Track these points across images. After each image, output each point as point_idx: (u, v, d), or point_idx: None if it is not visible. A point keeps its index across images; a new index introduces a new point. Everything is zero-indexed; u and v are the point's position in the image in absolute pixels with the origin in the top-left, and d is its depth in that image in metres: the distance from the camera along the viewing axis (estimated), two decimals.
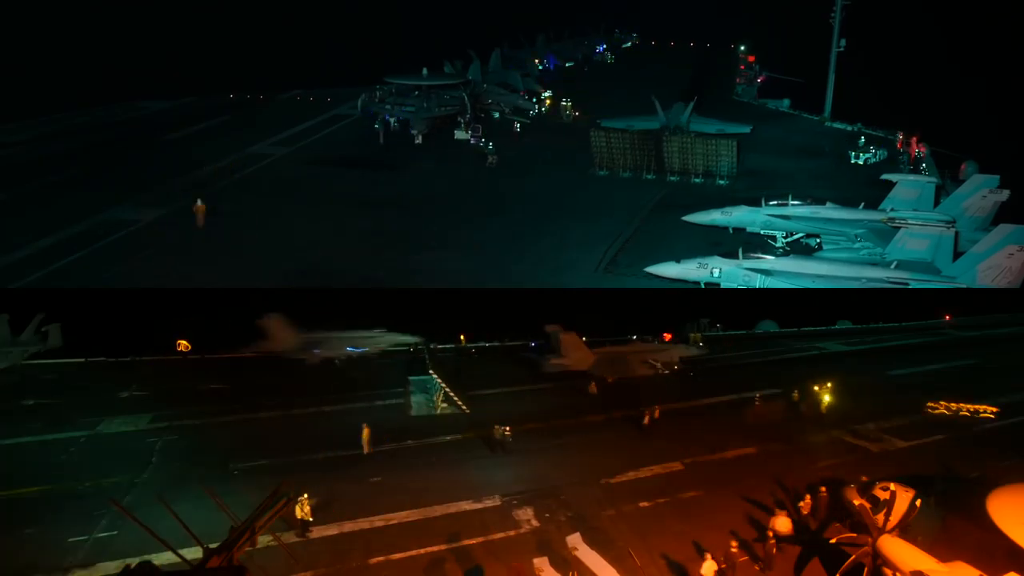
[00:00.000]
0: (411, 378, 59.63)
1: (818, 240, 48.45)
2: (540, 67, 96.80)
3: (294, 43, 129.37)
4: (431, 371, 56.17)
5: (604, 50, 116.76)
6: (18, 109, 73.50)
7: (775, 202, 48.84)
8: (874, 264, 44.17)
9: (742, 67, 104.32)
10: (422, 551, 28.81)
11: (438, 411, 51.18)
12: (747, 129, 69.73)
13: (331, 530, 30.76)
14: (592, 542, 26.08)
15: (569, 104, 77.62)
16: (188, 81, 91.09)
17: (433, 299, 64.68)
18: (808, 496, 31.90)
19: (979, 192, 48.36)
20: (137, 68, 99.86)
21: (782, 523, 29.21)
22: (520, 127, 69.35)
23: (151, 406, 51.94)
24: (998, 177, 48.56)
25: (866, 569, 23.09)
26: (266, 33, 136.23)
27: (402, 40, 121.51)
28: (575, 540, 25.64)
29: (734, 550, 26.88)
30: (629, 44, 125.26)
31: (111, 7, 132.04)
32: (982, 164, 57.27)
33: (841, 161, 65.13)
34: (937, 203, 49.76)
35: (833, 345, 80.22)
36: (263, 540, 26.09)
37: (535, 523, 31.46)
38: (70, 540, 29.65)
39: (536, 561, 25.22)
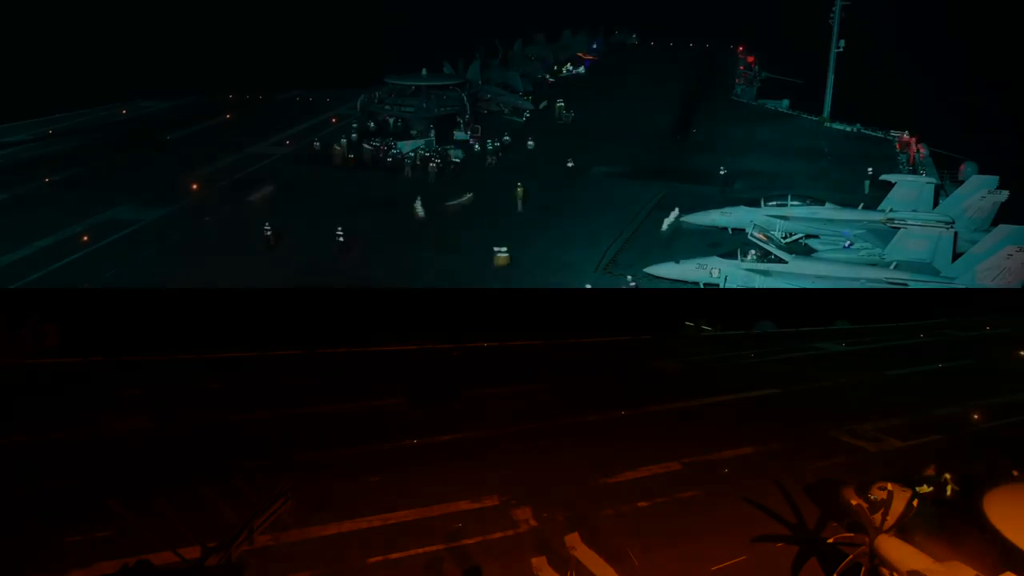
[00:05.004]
0: None
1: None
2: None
3: (294, 43, 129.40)
4: None
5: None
6: (18, 109, 73.59)
7: (774, 203, 48.94)
8: (873, 264, 44.28)
9: (741, 68, 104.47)
10: (420, 551, 28.82)
11: None
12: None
13: (329, 529, 30.75)
14: (590, 542, 26.18)
15: (562, 105, 78.01)
16: (188, 81, 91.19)
17: (432, 299, 64.64)
18: None
19: (978, 193, 48.46)
20: (137, 68, 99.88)
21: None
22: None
23: (150, 405, 51.93)
24: (997, 178, 48.69)
25: (863, 569, 23.13)
26: (266, 33, 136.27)
27: (402, 40, 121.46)
28: (573, 540, 25.72)
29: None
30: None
31: (111, 7, 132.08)
32: (982, 164, 57.36)
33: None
34: (936, 204, 49.85)
35: (831, 345, 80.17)
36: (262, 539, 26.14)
37: (533, 523, 31.46)
38: (68, 540, 29.65)
39: (534, 561, 25.32)
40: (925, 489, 24.34)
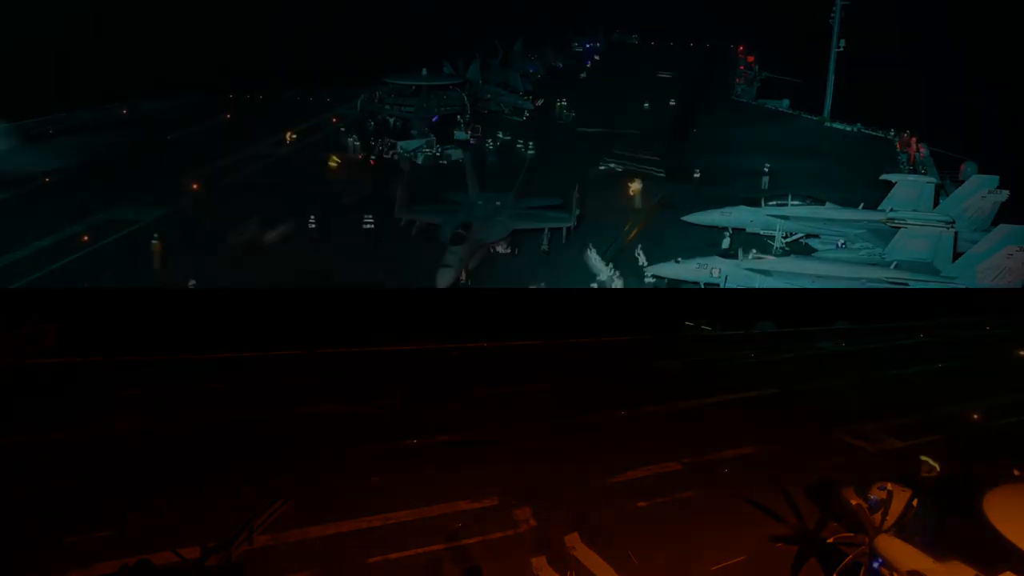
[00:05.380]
0: None
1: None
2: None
3: (294, 43, 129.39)
4: None
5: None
6: (19, 109, 73.50)
7: (775, 202, 49.00)
8: (873, 264, 44.32)
9: (741, 67, 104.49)
10: (420, 551, 28.81)
11: None
12: None
13: (329, 529, 30.75)
14: (590, 542, 26.17)
15: (563, 105, 77.99)
16: (188, 80, 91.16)
17: (432, 299, 64.67)
18: None
19: (978, 192, 48.51)
20: (137, 67, 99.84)
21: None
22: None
23: (150, 405, 51.93)
24: (997, 177, 48.75)
25: (863, 568, 23.13)
26: (266, 33, 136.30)
27: (402, 40, 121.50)
28: (573, 540, 25.74)
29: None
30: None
31: (111, 5, 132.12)
32: (981, 164, 57.39)
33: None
34: (936, 203, 49.87)
35: (831, 345, 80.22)
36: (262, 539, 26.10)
37: (533, 523, 31.45)
38: (68, 540, 29.64)
39: (534, 561, 25.33)
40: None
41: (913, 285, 43.26)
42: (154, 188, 54.74)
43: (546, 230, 48.38)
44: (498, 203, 49.93)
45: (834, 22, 73.44)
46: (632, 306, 71.81)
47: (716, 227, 49.70)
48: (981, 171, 53.18)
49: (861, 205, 49.65)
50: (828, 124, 77.86)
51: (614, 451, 41.13)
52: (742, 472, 37.80)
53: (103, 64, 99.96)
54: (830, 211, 48.69)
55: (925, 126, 70.94)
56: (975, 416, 48.94)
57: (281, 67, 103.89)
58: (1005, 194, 48.37)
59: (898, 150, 68.46)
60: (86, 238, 46.91)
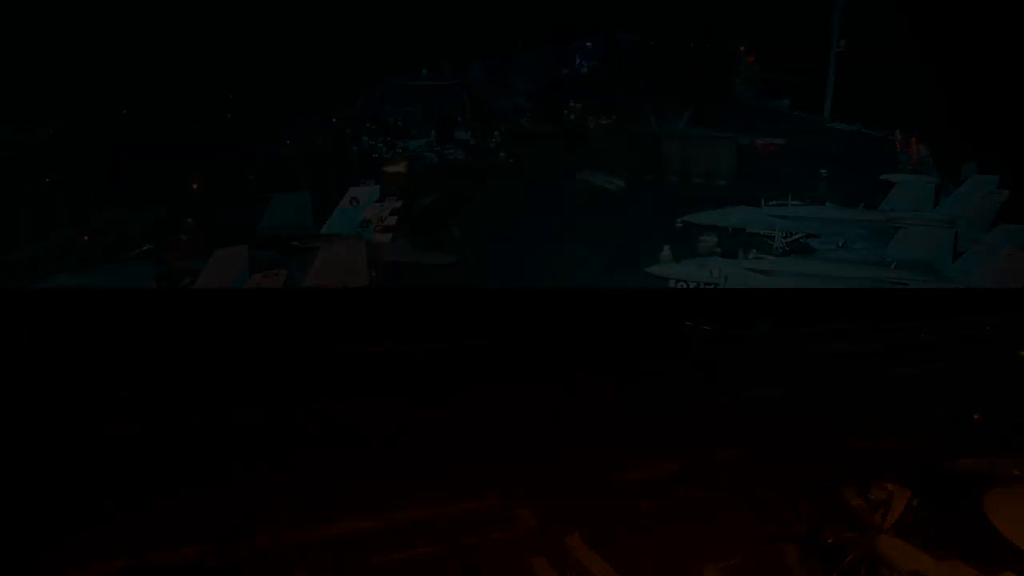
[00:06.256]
0: None
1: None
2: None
3: (294, 42, 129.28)
4: None
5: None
6: (18, 109, 73.47)
7: (774, 202, 49.04)
8: (873, 264, 44.36)
9: (741, 67, 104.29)
10: (420, 551, 28.81)
11: None
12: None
13: (329, 529, 30.76)
14: (590, 542, 26.16)
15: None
16: (187, 81, 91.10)
17: (432, 299, 64.74)
18: None
19: (978, 193, 48.55)
20: (135, 68, 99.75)
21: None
22: None
23: (149, 405, 51.90)
24: (997, 177, 48.78)
25: (863, 568, 23.11)
26: (266, 32, 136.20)
27: (402, 40, 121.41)
28: (573, 540, 25.74)
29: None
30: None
31: (110, 5, 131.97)
32: (982, 164, 57.36)
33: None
34: (937, 203, 49.91)
35: (831, 345, 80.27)
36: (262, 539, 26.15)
37: (533, 523, 31.46)
38: (67, 540, 29.64)
39: (534, 561, 25.32)
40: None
41: (913, 285, 43.28)
42: (154, 188, 54.67)
43: None
44: None
45: (834, 22, 73.36)
46: (632, 306, 71.90)
47: (715, 227, 49.73)
48: (981, 171, 53.17)
49: (861, 205, 49.65)
50: (828, 124, 77.75)
51: (614, 451, 41.17)
52: (742, 472, 37.82)
53: (102, 64, 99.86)
54: (830, 211, 48.73)
55: (925, 126, 70.89)
56: (975, 416, 48.93)
57: (281, 67, 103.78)
58: (1005, 194, 48.38)
59: (898, 150, 68.38)
60: (86, 238, 46.90)
